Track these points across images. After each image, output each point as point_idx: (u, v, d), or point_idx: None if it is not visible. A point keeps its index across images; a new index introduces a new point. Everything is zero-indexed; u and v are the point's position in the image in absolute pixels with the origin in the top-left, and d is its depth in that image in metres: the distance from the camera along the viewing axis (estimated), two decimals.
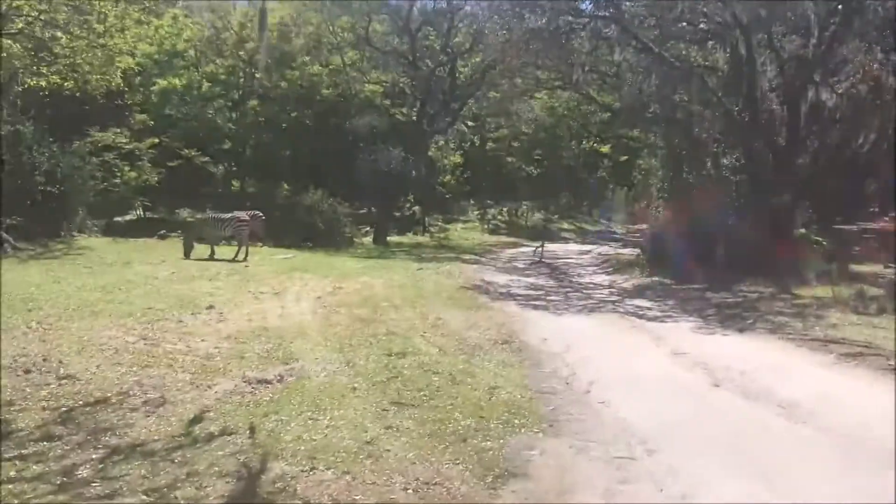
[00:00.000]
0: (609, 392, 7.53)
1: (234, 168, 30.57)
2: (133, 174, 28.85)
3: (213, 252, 18.29)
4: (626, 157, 42.97)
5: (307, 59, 29.18)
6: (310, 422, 6.44)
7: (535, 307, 13.30)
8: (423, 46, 29.18)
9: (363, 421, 6.48)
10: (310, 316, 11.56)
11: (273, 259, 18.84)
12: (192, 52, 28.30)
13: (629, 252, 21.94)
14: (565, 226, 39.03)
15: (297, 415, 6.63)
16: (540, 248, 21.68)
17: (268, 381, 7.76)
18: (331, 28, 28.71)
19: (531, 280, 17.23)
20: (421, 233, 31.70)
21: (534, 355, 9.22)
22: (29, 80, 21.28)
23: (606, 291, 15.72)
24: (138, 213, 30.14)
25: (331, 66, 31.51)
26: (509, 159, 41.94)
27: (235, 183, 31.21)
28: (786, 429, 6.52)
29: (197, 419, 6.48)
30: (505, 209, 38.17)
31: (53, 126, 26.45)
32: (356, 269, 17.53)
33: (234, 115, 28.58)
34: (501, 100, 29.63)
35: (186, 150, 29.25)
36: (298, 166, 31.90)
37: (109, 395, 7.18)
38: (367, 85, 31.66)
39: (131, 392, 7.24)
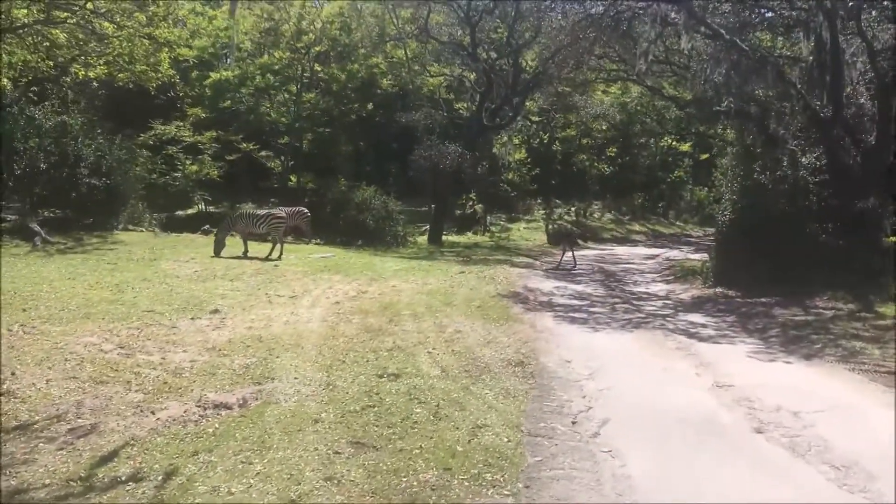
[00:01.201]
0: (621, 437, 6.20)
1: (292, 162, 29.98)
2: (194, 168, 28.72)
3: (246, 249, 17.56)
4: (706, 156, 40.77)
5: (367, 51, 28.27)
6: (241, 466, 5.38)
7: (573, 320, 11.92)
8: (486, 37, 27.89)
9: (305, 468, 5.37)
10: (317, 324, 10.56)
11: (310, 258, 17.98)
12: (247, 44, 27.79)
13: (699, 258, 20.10)
14: (637, 227, 36.96)
15: (233, 455, 5.59)
16: (563, 255, 19.95)
17: (226, 406, 6.78)
18: (393, 19, 27.72)
19: (579, 287, 15.79)
20: (481, 232, 30.45)
21: (547, 382, 7.91)
22: (78, 70, 21.12)
23: (660, 303, 14.14)
24: (199, 207, 29.99)
25: (393, 59, 30.64)
26: (580, 157, 40.26)
27: (293, 178, 30.66)
28: (835, 500, 5.07)
29: (108, 458, 5.49)
30: (573, 209, 36.46)
31: (113, 119, 26.56)
32: (392, 271, 16.49)
33: (291, 108, 27.94)
34: (566, 94, 28.11)
35: (244, 144, 28.92)
36: (356, 161, 31.23)
37: (38, 418, 6.32)
38: (428, 78, 30.66)
39: (63, 416, 6.38)
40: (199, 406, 6.72)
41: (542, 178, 36.73)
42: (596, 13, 16.96)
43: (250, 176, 31.50)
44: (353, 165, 31.25)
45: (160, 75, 22.20)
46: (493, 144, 31.86)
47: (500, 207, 34.59)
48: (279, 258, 17.32)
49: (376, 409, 6.77)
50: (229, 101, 26.93)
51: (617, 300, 14.27)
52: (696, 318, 12.47)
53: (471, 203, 32.26)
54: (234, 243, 18.50)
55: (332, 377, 7.79)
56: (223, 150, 29.35)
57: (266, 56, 27.15)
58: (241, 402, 6.92)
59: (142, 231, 22.03)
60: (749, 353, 9.78)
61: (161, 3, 19.44)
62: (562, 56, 20.03)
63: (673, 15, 17.03)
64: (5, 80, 22.30)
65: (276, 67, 27.25)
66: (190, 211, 29.47)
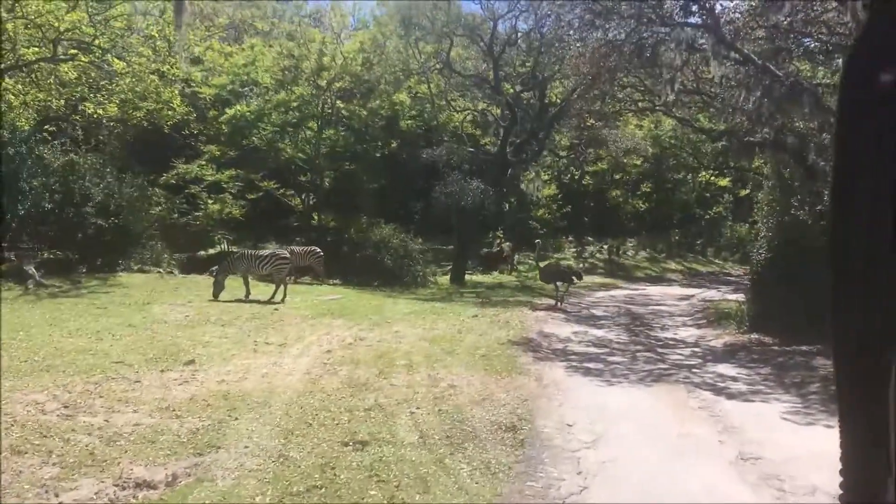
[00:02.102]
0: None
1: (314, 200, 29.32)
2: (216, 207, 28.22)
3: (248, 292, 16.70)
4: (746, 192, 39.22)
5: (389, 87, 27.62)
6: None
7: (586, 372, 10.70)
8: (511, 70, 27.08)
9: None
10: (297, 377, 9.53)
11: (315, 301, 17.05)
12: (267, 80, 27.35)
13: (736, 298, 18.69)
14: (672, 266, 35.42)
15: None
16: (560, 293, 18.60)
17: (149, 485, 5.76)
18: (416, 54, 27.08)
19: (601, 333, 14.54)
20: (507, 271, 29.30)
21: (538, 454, 6.74)
22: (87, 108, 20.76)
23: (687, 351, 12.83)
24: (221, 246, 29.40)
25: (416, 94, 29.98)
26: (613, 192, 39.04)
27: (315, 216, 29.98)
28: None
29: None
30: (605, 246, 35.14)
31: (136, 159, 26.25)
32: (400, 315, 15.45)
33: (311, 145, 27.36)
34: (594, 127, 27.06)
35: (265, 183, 28.37)
36: (379, 199, 30.47)
37: None
38: (453, 114, 29.90)
39: None
40: (116, 485, 5.71)
41: (573, 215, 35.62)
42: (616, 39, 15.93)
43: (272, 215, 30.93)
44: (376, 203, 30.48)
45: (173, 113, 21.81)
46: (521, 180, 30.81)
47: (529, 245, 33.39)
48: (282, 301, 16.43)
49: (324, 490, 5.68)
50: (248, 139, 26.36)
51: (640, 348, 13.00)
52: (726, 369, 11.15)
53: (497, 241, 31.19)
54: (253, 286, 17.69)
55: (289, 446, 6.73)
56: (245, 189, 28.84)
57: (284, 93, 26.63)
58: (169, 479, 5.89)
59: (151, 272, 21.36)
60: (784, 414, 8.48)
61: (168, 38, 19.07)
62: (584, 87, 19.07)
63: (700, 40, 15.97)
64: (23, 120, 22.12)
65: (295, 104, 26.70)
66: (211, 251, 28.85)
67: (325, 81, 27.05)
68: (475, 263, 29.16)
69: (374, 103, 28.08)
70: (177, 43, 20.10)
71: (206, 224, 28.53)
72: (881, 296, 1.35)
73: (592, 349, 12.73)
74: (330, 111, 28.01)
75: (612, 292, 24.18)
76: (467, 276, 26.17)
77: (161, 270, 22.40)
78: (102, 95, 20.55)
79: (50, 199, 18.74)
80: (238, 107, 26.10)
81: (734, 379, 10.47)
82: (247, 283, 16.76)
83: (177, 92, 21.84)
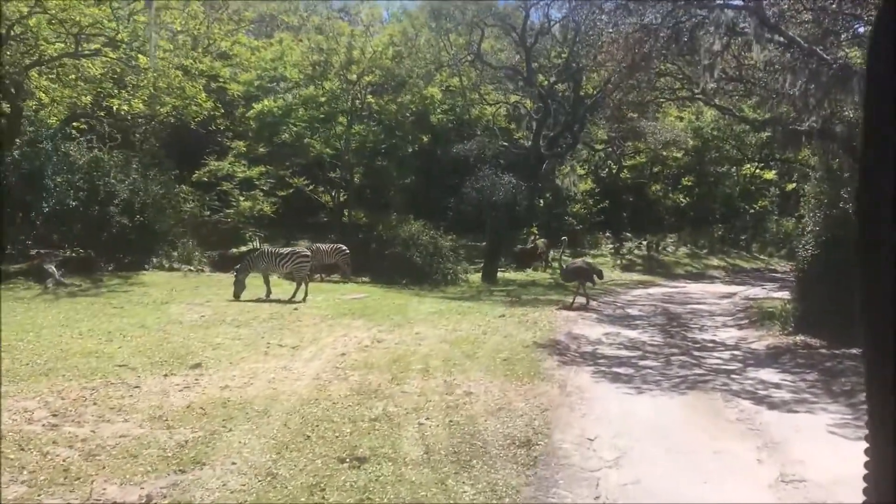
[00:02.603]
0: None
1: (344, 197, 28.88)
2: (247, 204, 27.96)
3: (268, 291, 16.25)
4: (792, 185, 37.85)
5: (420, 80, 27.00)
6: None
7: (615, 378, 9.97)
8: (545, 61, 26.27)
9: None
10: (305, 383, 8.99)
11: (338, 300, 16.53)
12: (296, 76, 26.94)
13: (782, 297, 17.70)
14: (715, 262, 34.19)
15: None
16: (585, 292, 17.54)
17: None
18: (447, 46, 26.43)
19: (634, 334, 13.74)
20: (542, 268, 28.50)
21: (552, 474, 6.08)
22: (112, 103, 20.54)
23: (727, 355, 11.98)
24: (253, 244, 29.14)
25: (448, 87, 29.32)
26: (653, 187, 37.94)
27: (346, 213, 29.53)
28: None
29: None
30: (644, 242, 34.09)
31: (170, 157, 26.08)
32: (424, 315, 14.85)
33: (340, 141, 26.90)
34: (632, 119, 26.15)
35: (295, 179, 28.01)
36: (408, 195, 29.94)
37: None
38: (486, 107, 29.16)
39: None
40: None
41: (610, 210, 34.64)
42: (652, 23, 15.08)
43: (303, 211, 30.62)
44: (407, 200, 29.95)
45: (199, 109, 21.51)
46: (556, 175, 29.99)
47: (565, 242, 32.55)
48: (304, 300, 15.94)
49: None
50: (276, 135, 26.00)
51: (675, 350, 12.19)
52: (769, 375, 10.33)
53: (532, 237, 30.41)
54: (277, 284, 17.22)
55: (280, 463, 6.17)
56: (275, 186, 28.53)
57: (312, 87, 26.19)
58: (142, 500, 5.37)
59: (182, 270, 21.11)
60: (832, 427, 7.68)
61: (192, 33, 18.73)
62: (620, 76, 18.22)
63: (742, 23, 15.03)
64: (52, 117, 22.05)
65: (324, 99, 26.26)
66: (243, 248, 28.58)
67: (355, 75, 26.56)
68: (508, 260, 28.44)
69: (405, 97, 27.49)
70: (202, 37, 19.76)
71: (238, 221, 28.29)
72: None
73: (623, 352, 11.96)
74: (360, 105, 27.52)
75: (650, 290, 23.28)
76: (500, 274, 25.48)
77: (192, 268, 22.18)
78: (128, 91, 20.32)
79: (75, 196, 18.56)
80: (265, 102, 25.73)
81: (777, 386, 9.65)
82: (267, 282, 16.31)
83: (201, 87, 21.50)
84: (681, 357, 11.59)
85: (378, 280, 22.59)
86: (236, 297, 15.52)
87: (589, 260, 18.61)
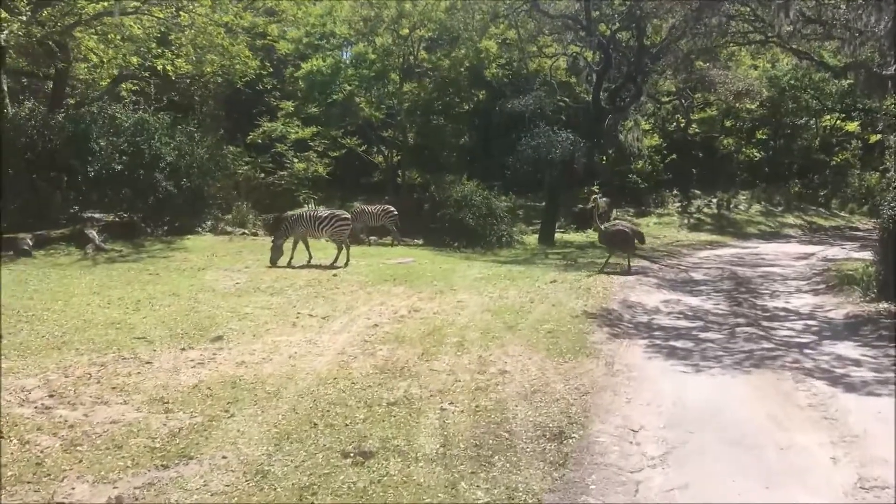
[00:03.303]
0: None
1: (398, 157, 28.11)
2: (301, 166, 27.55)
3: (309, 256, 15.66)
4: (877, 137, 35.26)
5: (474, 33, 25.81)
6: None
7: (671, 353, 8.98)
8: (606, 11, 24.67)
9: None
10: (328, 359, 8.32)
11: (382, 265, 15.82)
12: (345, 32, 26.07)
13: (863, 258, 16.22)
14: (791, 220, 32.17)
15: None
16: (628, 259, 16.18)
17: None
18: None
19: (696, 302, 12.62)
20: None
21: (583, 476, 5.23)
22: (156, 63, 20.13)
23: (800, 325, 10.79)
24: (308, 206, 28.75)
25: (505, 40, 27.98)
26: (724, 141, 35.94)
27: (400, 173, 28.78)
28: None
29: None
30: (714, 200, 32.32)
31: (212, 117, 25.75)
32: (470, 280, 14.01)
33: (393, 99, 26.07)
34: (701, 68, 24.46)
35: (347, 140, 27.37)
36: (464, 154, 28.98)
37: None
38: (544, 61, 27.75)
39: None
40: None
41: (678, 167, 32.88)
42: None
43: (357, 172, 30.07)
44: (463, 159, 29.01)
45: (243, 67, 20.95)
46: (619, 130, 28.49)
47: (629, 201, 31.17)
48: (345, 265, 15.31)
49: None
50: (325, 95, 25.32)
51: (741, 321, 11.05)
52: (847, 349, 9.16)
53: (593, 197, 29.10)
54: (320, 247, 16.62)
55: (276, 457, 5.50)
56: (329, 147, 27.99)
57: (361, 44, 25.32)
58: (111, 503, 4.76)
59: (234, 234, 20.75)
60: None
61: None
62: (686, 20, 16.79)
63: None
64: (104, 80, 21.85)
65: (374, 56, 25.39)
66: (298, 210, 28.22)
67: (407, 30, 25.54)
68: (568, 221, 27.31)
69: (459, 52, 26.36)
70: None
71: (291, 183, 27.91)
72: None
73: (683, 322, 10.91)
74: (412, 62, 26.54)
75: (719, 251, 21.87)
76: (558, 235, 24.44)
77: (246, 231, 21.87)
78: (171, 51, 19.85)
79: (120, 159, 18.27)
80: (314, 61, 25.00)
81: (856, 363, 8.51)
82: (307, 247, 15.70)
83: (245, 45, 20.88)
84: (747, 328, 10.47)
85: (430, 243, 21.86)
86: (273, 262, 14.97)
87: (625, 223, 17.06)
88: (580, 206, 29.07)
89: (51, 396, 6.84)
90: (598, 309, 11.46)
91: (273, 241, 15.28)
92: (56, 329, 9.40)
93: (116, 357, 8.21)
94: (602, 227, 16.07)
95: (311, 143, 27.50)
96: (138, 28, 18.36)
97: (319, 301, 11.70)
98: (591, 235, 25.94)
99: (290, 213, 17.18)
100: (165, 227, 19.59)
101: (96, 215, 17.58)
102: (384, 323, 10.20)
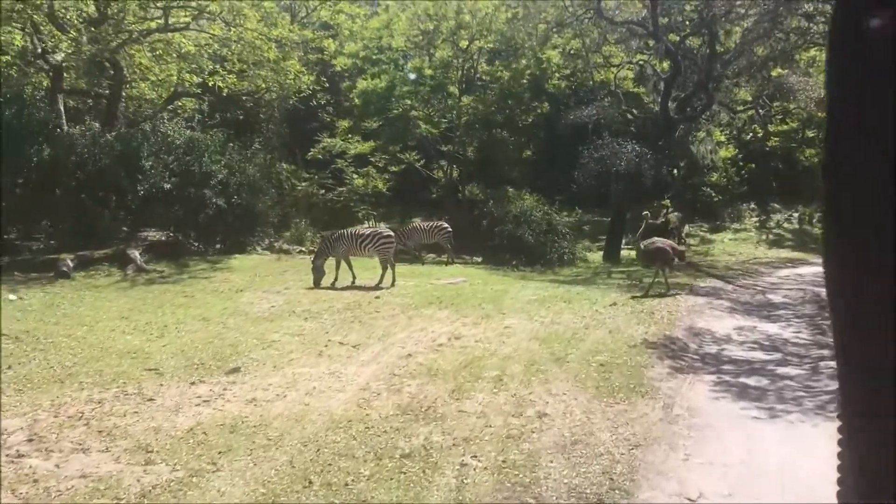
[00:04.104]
0: None
1: (458, 172, 27.27)
2: (360, 181, 27.05)
3: (353, 277, 14.89)
4: None
5: (536, 43, 24.84)
6: None
7: (742, 393, 7.77)
8: (675, 18, 23.36)
9: None
10: (347, 396, 7.48)
11: (430, 286, 14.91)
12: (402, 45, 25.45)
13: None
14: None
15: None
16: (665, 277, 14.62)
17: None
18: (566, 3, 24.07)
19: (774, 329, 11.28)
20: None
21: None
22: (210, 81, 19.88)
23: None
24: (368, 223, 28.19)
25: (568, 50, 26.91)
26: (806, 152, 33.81)
27: (466, 189, 27.90)
28: None
29: None
30: (795, 214, 30.32)
31: (268, 134, 25.48)
32: (522, 303, 12.97)
33: (452, 113, 25.30)
34: (778, 74, 22.84)
35: (406, 155, 26.72)
36: (526, 168, 27.95)
37: None
38: (610, 70, 26.52)
39: None
40: None
41: (756, 179, 31.00)
42: None
43: (416, 188, 29.38)
44: (526, 173, 27.97)
45: (296, 82, 20.52)
46: (691, 141, 27.01)
47: (702, 215, 29.50)
48: (391, 285, 14.48)
49: None
50: (382, 111, 24.77)
51: (825, 353, 9.70)
52: None
53: (664, 212, 27.63)
54: (365, 266, 15.88)
55: None
56: (389, 162, 27.41)
57: (418, 58, 24.67)
58: None
59: (292, 252, 20.22)
60: None
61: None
62: (762, 22, 15.44)
63: None
64: (159, 97, 21.78)
65: (429, 71, 24.72)
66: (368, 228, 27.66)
67: (466, 41, 24.76)
68: (636, 237, 25.88)
69: (520, 63, 25.41)
70: (298, 7, 18.65)
71: (350, 199, 27.42)
72: None
73: (758, 354, 9.64)
74: (472, 73, 25.73)
75: (800, 270, 20.17)
76: (625, 253, 23.08)
77: (303, 249, 21.38)
78: (224, 67, 19.55)
79: (169, 178, 17.99)
80: (369, 80, 24.51)
81: None
82: (350, 266, 14.94)
83: (297, 60, 20.47)
84: (833, 363, 9.14)
85: (489, 261, 20.91)
86: (316, 284, 14.24)
87: (664, 240, 15.39)
88: (649, 221, 27.66)
89: (29, 441, 6.17)
90: (660, 337, 10.29)
91: (313, 262, 14.56)
92: (69, 359, 8.84)
93: (119, 393, 7.54)
94: (641, 244, 14.68)
95: (371, 159, 26.98)
96: (191, 44, 18.09)
97: (355, 326, 10.87)
98: None
99: (332, 231, 16.49)
100: (218, 246, 19.22)
101: (142, 234, 17.28)
102: (419, 353, 9.29)
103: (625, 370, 8.42)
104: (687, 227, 27.89)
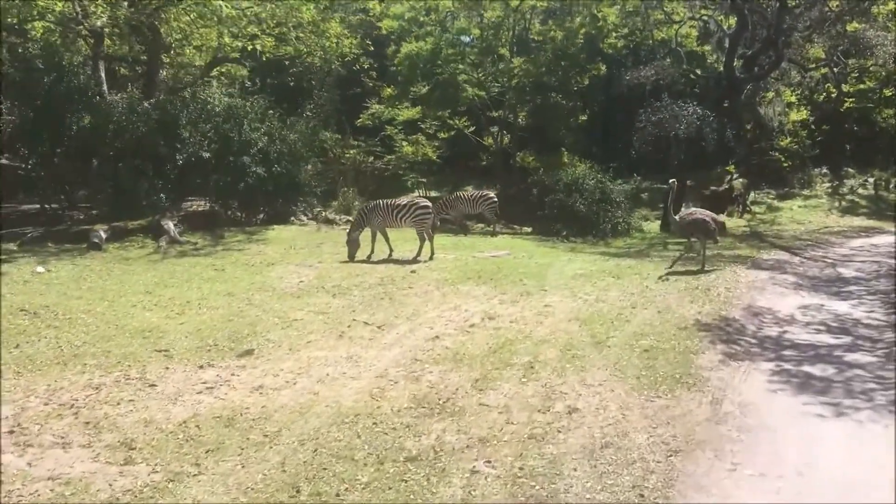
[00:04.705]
0: None
1: (509, 139, 26.32)
2: (409, 149, 26.37)
3: (390, 250, 14.24)
4: None
5: (591, 1, 23.59)
6: None
7: (804, 384, 6.87)
8: None
9: None
10: (360, 385, 6.92)
11: (471, 259, 14.15)
12: (450, 6, 24.43)
13: None
14: None
15: None
16: (703, 251, 13.23)
17: None
18: None
19: (844, 308, 10.21)
20: (738, 213, 24.41)
21: None
22: (249, 45, 19.37)
23: None
24: (418, 192, 27.53)
25: (629, 7, 25.49)
26: (885, 113, 31.61)
27: (519, 157, 26.92)
28: None
29: None
30: (870, 180, 28.39)
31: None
32: (567, 278, 12.12)
33: (502, 76, 24.32)
34: (854, 29, 21.13)
35: (454, 121, 25.88)
36: (581, 134, 26.79)
37: None
38: (671, 28, 25.03)
39: None
40: None
41: (828, 143, 29.09)
42: None
43: (466, 156, 28.59)
44: (582, 139, 26.84)
45: (337, 46, 19.86)
46: (758, 103, 25.42)
47: (770, 182, 27.86)
48: (430, 258, 13.79)
49: None
50: (428, 76, 23.96)
51: None
52: None
53: (728, 178, 26.20)
54: (405, 238, 15.23)
55: None
56: (438, 129, 26.63)
57: (464, 19, 23.69)
58: None
59: (339, 222, 19.67)
60: None
61: None
62: None
63: None
64: (198, 60, 21.42)
65: (477, 31, 23.72)
66: (403, 198, 26.97)
67: (517, 0, 23.68)
68: (697, 205, 24.58)
69: (574, 22, 24.18)
70: None
71: (399, 167, 26.80)
72: None
73: (824, 338, 8.63)
74: (524, 34, 24.64)
75: (875, 240, 18.71)
76: None
77: (351, 219, 20.90)
78: (263, 31, 18.97)
79: (209, 146, 17.61)
80: (412, 44, 23.66)
81: None
82: (386, 239, 14.28)
83: (336, 21, 19.79)
84: None
85: (539, 231, 20.06)
86: (351, 258, 13.63)
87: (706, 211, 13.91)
88: (713, 188, 26.29)
89: (10, 433, 5.73)
90: (714, 317, 9.37)
91: (348, 234, 13.95)
92: (80, 337, 8.46)
93: (120, 377, 7.09)
94: (678, 215, 13.36)
95: (421, 125, 26.23)
96: (229, 6, 17.55)
97: (384, 304, 10.24)
98: (724, 221, 23.28)
99: (367, 202, 15.85)
100: (261, 216, 18.84)
101: (179, 204, 17.00)
102: (447, 334, 8.60)
103: (671, 357, 7.59)
104: (752, 193, 26.42)
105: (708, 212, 13.76)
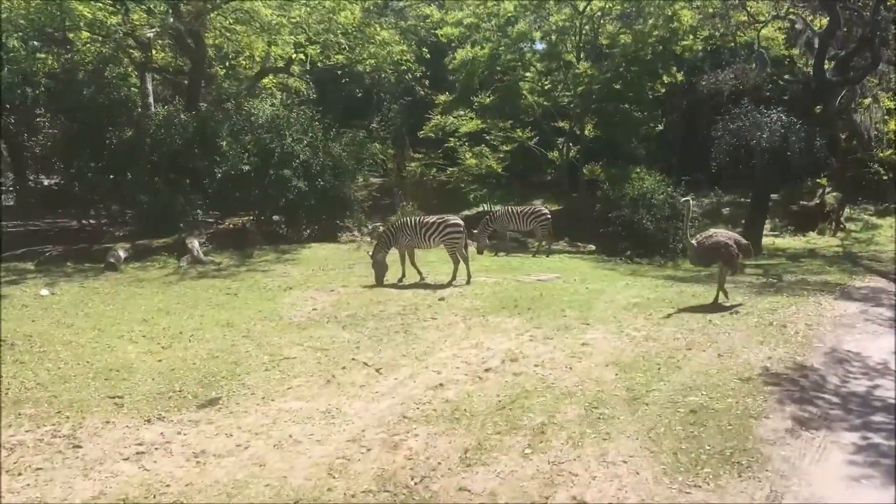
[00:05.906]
0: None
1: (577, 150, 24.69)
2: (472, 161, 25.12)
3: (419, 273, 12.87)
4: None
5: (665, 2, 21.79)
6: None
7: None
8: None
9: None
10: (322, 452, 5.67)
11: (514, 284, 12.63)
12: (511, 10, 23.03)
13: None
14: None
15: None
16: (721, 280, 11.00)
17: None
18: None
19: None
20: (831, 231, 22.06)
21: None
22: (294, 55, 18.54)
23: None
24: (483, 206, 26.22)
25: (708, 8, 23.51)
26: None
27: (587, 169, 25.27)
28: None
29: None
30: None
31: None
32: (614, 310, 10.50)
33: (568, 84, 22.78)
34: None
35: (518, 132, 24.47)
36: (657, 145, 24.92)
37: None
38: (755, 29, 22.91)
39: None
40: None
41: None
42: None
43: (530, 169, 27.13)
44: (658, 151, 25.00)
45: (387, 53, 18.81)
46: (855, 110, 23.01)
47: (868, 196, 25.27)
48: (467, 282, 12.39)
49: None
50: (486, 85, 22.68)
51: None
52: None
53: (820, 192, 23.81)
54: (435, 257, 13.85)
55: None
56: (502, 140, 25.28)
57: (524, 22, 22.27)
58: None
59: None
60: None
61: None
62: None
63: None
64: (247, 70, 20.82)
65: (537, 34, 22.28)
66: (467, 213, 25.61)
67: (584, 1, 22.12)
68: (784, 222, 22.44)
69: (646, 24, 22.40)
70: None
71: (462, 180, 25.56)
72: None
73: None
74: (593, 38, 23.05)
75: None
76: (768, 240, 19.90)
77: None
78: (308, 38, 18.06)
79: (249, 159, 16.78)
80: (468, 49, 22.42)
81: None
82: (413, 262, 12.87)
83: (380, 28, 18.73)
84: None
85: (602, 250, 18.43)
86: (378, 281, 12.33)
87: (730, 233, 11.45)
88: (802, 202, 23.97)
89: None
90: (787, 364, 7.64)
91: (373, 256, 12.59)
92: (40, 376, 7.53)
93: (48, 433, 6.04)
94: (695, 239, 11.10)
95: (486, 137, 24.93)
96: (270, 11, 16.73)
97: (397, 339, 8.91)
98: (814, 240, 21.14)
99: (395, 220, 14.57)
100: (307, 232, 17.91)
101: (209, 221, 16.20)
102: (454, 381, 7.21)
103: (724, 422, 5.98)
104: (847, 209, 23.95)
105: (731, 233, 11.57)
